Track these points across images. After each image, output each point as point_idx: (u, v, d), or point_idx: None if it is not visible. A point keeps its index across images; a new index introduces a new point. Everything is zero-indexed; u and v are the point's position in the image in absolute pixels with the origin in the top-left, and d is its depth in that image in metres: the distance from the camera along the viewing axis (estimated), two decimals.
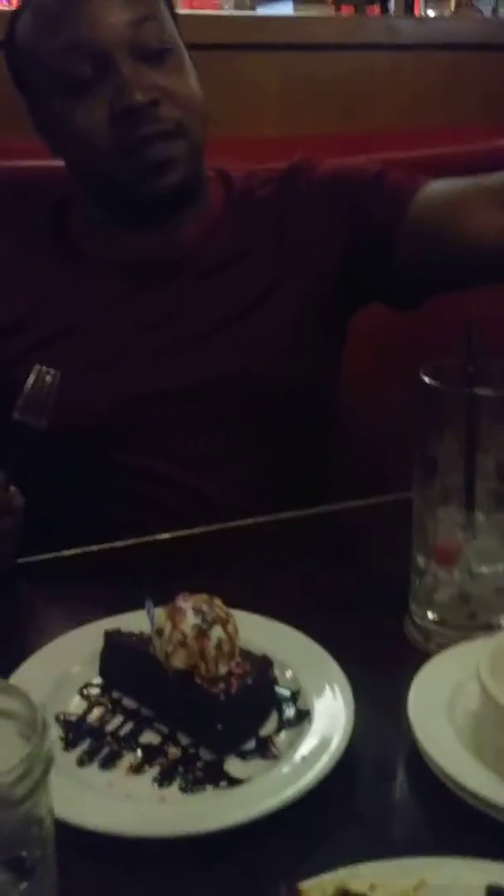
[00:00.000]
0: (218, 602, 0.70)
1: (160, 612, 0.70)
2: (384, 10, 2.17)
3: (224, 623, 0.68)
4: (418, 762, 0.65)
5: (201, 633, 0.67)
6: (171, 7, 1.08)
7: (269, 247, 1.11)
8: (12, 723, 0.55)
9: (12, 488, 0.89)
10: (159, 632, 0.69)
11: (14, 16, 1.08)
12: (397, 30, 1.76)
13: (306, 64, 1.66)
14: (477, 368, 0.74)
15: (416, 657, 0.78)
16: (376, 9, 2.17)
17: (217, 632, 0.68)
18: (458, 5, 2.22)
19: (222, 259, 1.10)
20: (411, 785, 0.66)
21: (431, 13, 2.18)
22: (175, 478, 1.08)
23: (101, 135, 1.01)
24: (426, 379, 0.74)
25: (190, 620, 0.68)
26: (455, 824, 0.61)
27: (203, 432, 1.07)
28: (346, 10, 2.12)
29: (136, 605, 0.76)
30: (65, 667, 0.75)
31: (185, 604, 0.69)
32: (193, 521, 0.99)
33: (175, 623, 0.68)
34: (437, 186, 1.08)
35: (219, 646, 0.68)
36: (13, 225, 1.16)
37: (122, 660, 0.74)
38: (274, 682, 0.72)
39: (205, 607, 0.69)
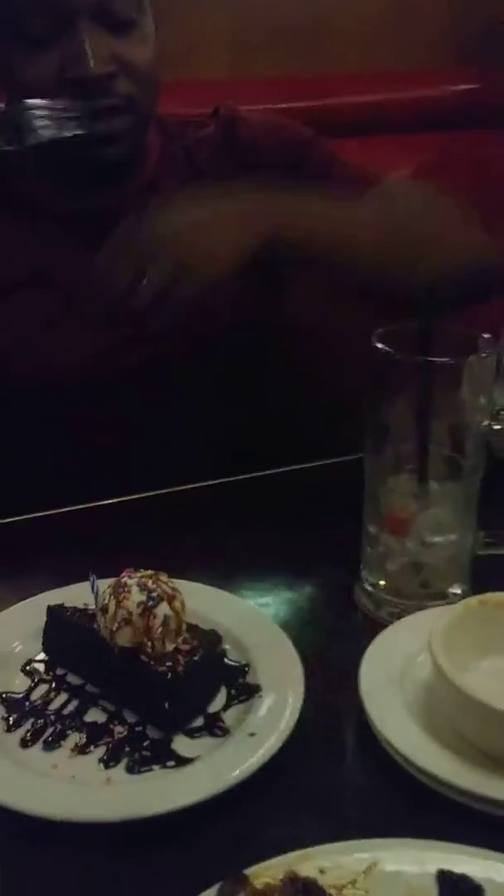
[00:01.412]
0: (164, 577, 0.68)
1: (104, 588, 0.68)
2: None
3: (171, 599, 0.66)
4: (371, 738, 0.64)
5: (147, 611, 0.65)
6: None
7: None
8: None
9: None
10: (104, 609, 0.67)
11: None
12: None
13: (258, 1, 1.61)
14: (430, 333, 0.71)
15: (367, 625, 0.77)
16: None
17: (163, 609, 0.66)
18: None
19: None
20: (364, 762, 0.65)
21: None
22: (134, 432, 1.05)
23: (47, 95, 0.93)
24: (378, 345, 0.72)
25: (135, 597, 0.66)
26: (408, 803, 0.61)
27: (162, 382, 1.05)
28: None
29: (80, 576, 0.73)
30: (7, 643, 0.73)
31: (131, 580, 0.67)
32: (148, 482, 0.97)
33: (119, 600, 0.66)
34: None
35: (165, 623, 0.66)
36: None
37: (65, 635, 0.71)
38: (222, 656, 0.70)
39: (150, 583, 0.67)
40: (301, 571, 0.85)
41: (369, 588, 0.78)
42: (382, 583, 0.77)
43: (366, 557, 0.79)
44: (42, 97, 0.93)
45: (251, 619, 0.75)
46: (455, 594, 0.76)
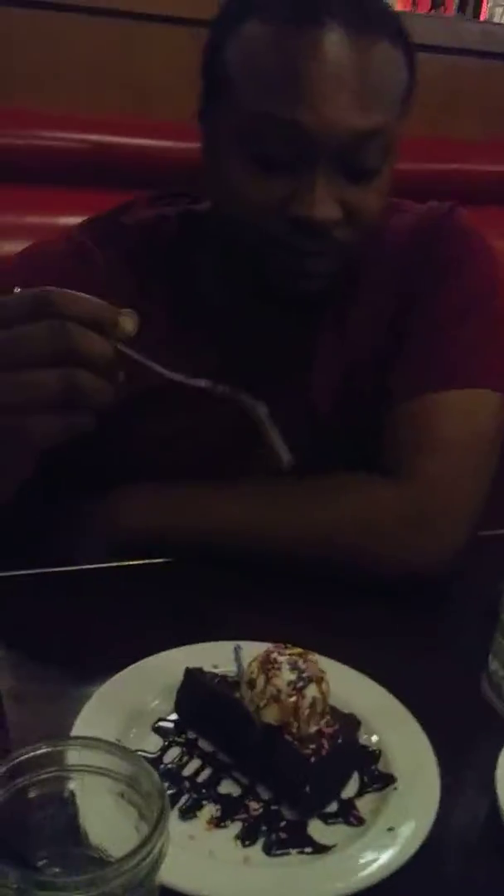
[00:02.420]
0: (313, 657, 0.68)
1: (251, 661, 0.68)
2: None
3: (319, 682, 0.66)
4: None
5: (296, 691, 0.65)
6: (407, 103, 0.91)
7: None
8: (115, 783, 0.54)
9: None
10: (250, 683, 0.67)
11: (239, 4, 0.90)
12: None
13: None
14: None
15: (495, 719, 0.76)
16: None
17: (312, 690, 0.66)
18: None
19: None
20: (500, 870, 0.64)
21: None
22: None
23: (259, 212, 0.88)
24: None
25: (286, 676, 0.66)
26: None
27: None
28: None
29: (200, 628, 0.75)
30: (142, 698, 0.73)
31: (281, 657, 0.67)
32: None
33: (269, 677, 0.66)
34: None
35: (313, 705, 0.66)
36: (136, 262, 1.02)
37: (202, 701, 0.71)
38: (359, 742, 0.70)
39: (301, 663, 0.67)
40: (421, 654, 0.84)
41: (498, 681, 0.78)
42: None
43: (496, 648, 0.78)
44: (251, 216, 0.88)
45: (382, 703, 0.74)
46: None
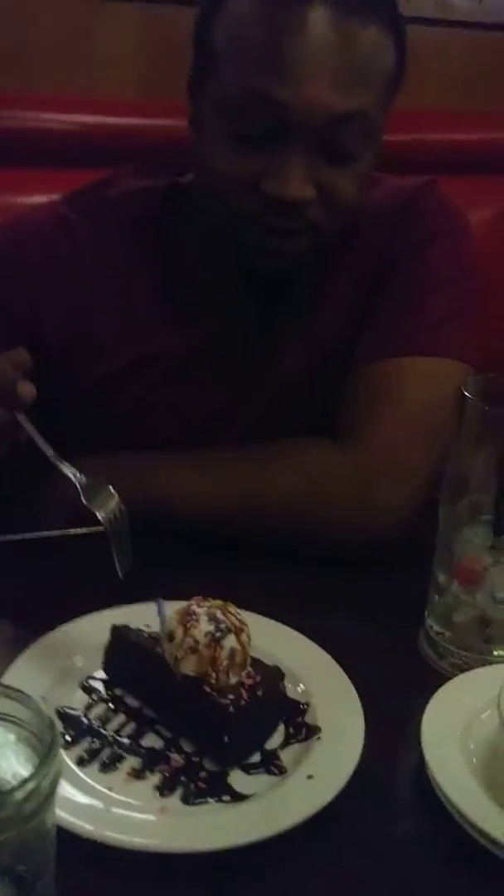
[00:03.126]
0: (233, 609, 0.68)
1: (172, 615, 0.68)
2: None
3: (238, 632, 0.66)
4: (430, 793, 0.63)
5: (214, 641, 0.65)
6: (392, 92, 0.91)
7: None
8: (14, 727, 0.53)
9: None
10: (170, 635, 0.67)
11: None
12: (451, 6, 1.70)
13: None
14: None
15: (429, 674, 0.76)
16: None
17: (230, 641, 0.65)
18: None
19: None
20: (421, 816, 0.64)
21: None
22: None
23: (233, 187, 0.88)
24: (466, 394, 0.71)
25: (203, 627, 0.66)
26: (466, 863, 0.59)
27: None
28: None
29: (142, 592, 0.74)
30: (68, 656, 0.73)
31: (200, 608, 0.67)
32: None
33: (187, 628, 0.66)
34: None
35: (231, 655, 0.65)
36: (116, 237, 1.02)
37: (128, 657, 0.71)
38: (283, 693, 0.69)
39: (219, 614, 0.66)
40: (364, 612, 0.84)
41: (433, 637, 0.77)
42: (447, 633, 0.76)
43: (432, 606, 0.78)
44: (226, 191, 0.88)
45: (313, 657, 0.74)
46: None
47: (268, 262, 0.92)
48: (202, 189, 0.96)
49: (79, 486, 0.75)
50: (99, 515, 0.74)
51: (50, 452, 0.75)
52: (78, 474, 0.76)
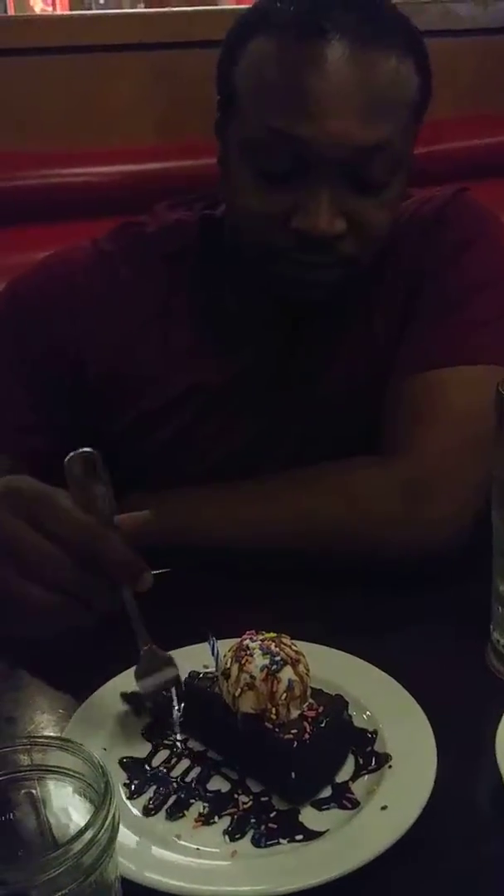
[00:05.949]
0: (286, 640, 0.66)
1: (226, 651, 0.66)
2: None
3: (295, 663, 0.64)
4: None
5: (271, 675, 0.63)
6: (418, 118, 0.90)
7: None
8: (71, 781, 0.52)
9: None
10: (225, 673, 0.65)
11: (249, 20, 0.90)
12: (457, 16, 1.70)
13: None
14: None
15: (499, 690, 0.73)
16: None
17: (287, 673, 0.63)
18: None
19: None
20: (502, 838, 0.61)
21: None
22: None
23: (263, 225, 0.88)
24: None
25: (258, 661, 0.64)
26: None
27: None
28: None
29: (193, 633, 0.73)
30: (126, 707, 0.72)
31: (253, 643, 0.65)
32: None
33: (242, 664, 0.64)
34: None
35: (290, 688, 0.63)
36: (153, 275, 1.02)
37: (187, 700, 0.70)
38: (349, 722, 0.67)
39: (273, 646, 0.65)
40: (424, 629, 0.81)
41: (501, 650, 0.74)
42: None
43: (496, 618, 0.75)
44: (256, 228, 0.89)
45: (376, 682, 0.72)
46: None
47: (302, 293, 0.93)
48: (233, 225, 0.96)
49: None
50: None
51: (143, 636, 0.73)
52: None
